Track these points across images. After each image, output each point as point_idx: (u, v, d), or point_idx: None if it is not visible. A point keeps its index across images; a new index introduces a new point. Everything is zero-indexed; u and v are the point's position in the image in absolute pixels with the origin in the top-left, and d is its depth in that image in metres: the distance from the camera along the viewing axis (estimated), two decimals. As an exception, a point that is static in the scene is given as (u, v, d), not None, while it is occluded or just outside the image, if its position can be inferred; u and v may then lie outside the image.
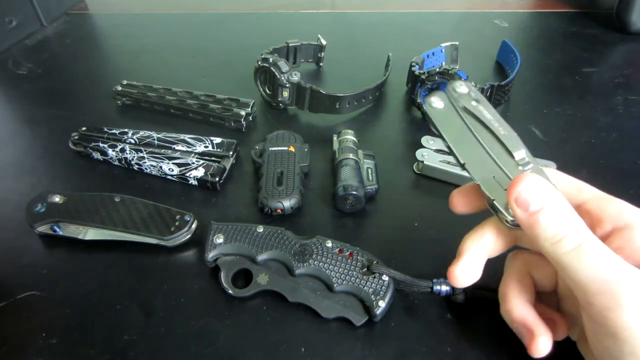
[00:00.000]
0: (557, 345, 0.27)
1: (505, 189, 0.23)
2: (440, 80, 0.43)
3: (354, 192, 0.35)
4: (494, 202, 0.24)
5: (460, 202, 0.27)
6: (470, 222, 0.36)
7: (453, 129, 0.26)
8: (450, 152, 0.27)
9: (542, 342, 0.23)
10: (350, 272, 0.30)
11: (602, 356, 0.22)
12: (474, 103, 0.27)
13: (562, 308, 0.26)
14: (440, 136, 0.27)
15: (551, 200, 0.21)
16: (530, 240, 0.26)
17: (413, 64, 0.48)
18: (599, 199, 0.24)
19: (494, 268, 0.30)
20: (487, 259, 0.25)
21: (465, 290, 0.29)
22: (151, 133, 0.42)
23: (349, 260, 0.30)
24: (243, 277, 0.32)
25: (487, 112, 0.26)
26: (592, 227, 0.23)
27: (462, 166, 0.25)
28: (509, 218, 0.23)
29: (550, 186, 0.22)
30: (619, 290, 0.19)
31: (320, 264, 0.30)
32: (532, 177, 0.22)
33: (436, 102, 0.27)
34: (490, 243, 0.25)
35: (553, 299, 0.27)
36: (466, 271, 0.24)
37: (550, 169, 0.25)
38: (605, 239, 0.23)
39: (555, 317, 0.25)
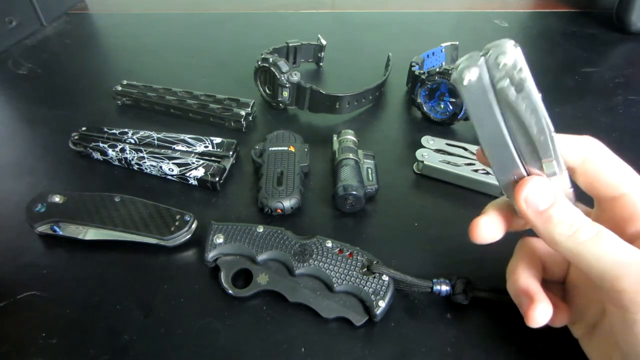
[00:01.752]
0: (558, 344, 0.27)
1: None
2: (440, 80, 0.43)
3: (354, 192, 0.35)
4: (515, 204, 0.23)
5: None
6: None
7: (484, 114, 0.22)
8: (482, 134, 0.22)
9: (540, 309, 0.23)
10: (350, 272, 0.30)
11: (635, 344, 0.21)
12: (513, 90, 0.21)
13: (568, 301, 0.26)
14: (469, 118, 0.24)
15: (559, 197, 0.22)
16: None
17: (413, 64, 0.48)
18: (636, 196, 0.23)
19: (494, 268, 0.30)
20: (507, 229, 0.25)
21: (465, 290, 0.29)
22: (151, 133, 0.42)
23: (349, 260, 0.30)
24: (243, 277, 0.32)
25: (528, 104, 0.21)
26: (624, 222, 0.23)
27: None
28: None
29: (555, 188, 0.22)
30: None
31: (320, 264, 0.30)
32: (537, 179, 0.22)
33: (470, 75, 0.21)
34: (512, 211, 0.25)
35: (559, 292, 0.27)
36: (488, 225, 0.24)
37: (602, 147, 0.24)
38: (637, 237, 0.22)
39: (558, 303, 0.25)
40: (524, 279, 0.25)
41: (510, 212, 0.25)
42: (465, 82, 0.20)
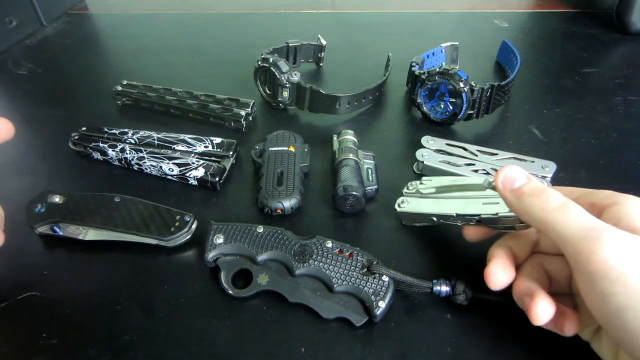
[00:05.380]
0: (558, 344, 0.27)
1: (497, 203, 0.28)
2: (440, 81, 0.43)
3: (354, 193, 0.35)
4: (498, 214, 0.27)
5: (472, 233, 0.31)
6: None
7: (430, 206, 0.32)
8: (442, 219, 0.31)
9: (541, 304, 0.24)
10: (350, 272, 0.30)
11: (600, 309, 0.22)
12: (426, 182, 0.34)
13: (577, 306, 0.27)
14: (427, 218, 0.32)
15: (530, 176, 0.26)
16: (544, 243, 0.28)
17: (413, 64, 0.48)
18: (589, 192, 0.27)
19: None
20: (515, 264, 0.28)
21: (465, 291, 0.29)
22: (151, 133, 0.42)
23: (349, 261, 0.30)
24: (243, 277, 0.32)
25: (445, 179, 0.33)
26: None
27: (456, 215, 0.30)
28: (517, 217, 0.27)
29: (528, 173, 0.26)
30: (601, 234, 0.21)
31: (320, 264, 0.30)
32: (512, 165, 0.26)
33: (403, 204, 0.34)
34: (514, 249, 0.28)
35: (570, 303, 0.27)
36: (500, 270, 0.27)
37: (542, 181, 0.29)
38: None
39: (567, 312, 0.26)
40: (525, 283, 0.26)
41: (512, 249, 0.28)
42: (402, 206, 0.34)
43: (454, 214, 0.30)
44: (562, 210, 0.23)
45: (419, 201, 0.33)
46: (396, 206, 0.34)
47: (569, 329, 0.25)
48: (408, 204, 0.34)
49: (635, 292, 0.20)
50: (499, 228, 0.29)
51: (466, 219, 0.30)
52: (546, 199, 0.24)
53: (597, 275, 0.21)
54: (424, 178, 0.35)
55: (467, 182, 0.32)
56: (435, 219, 0.32)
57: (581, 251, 0.22)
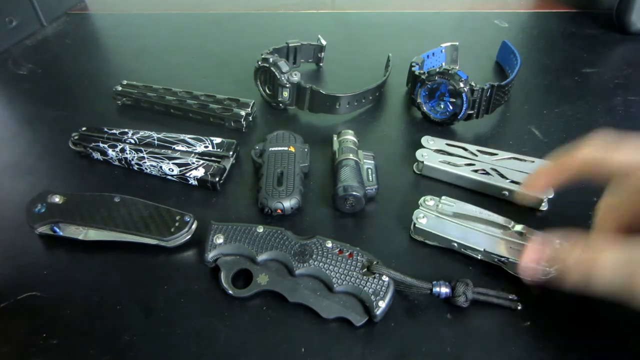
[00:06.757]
0: (558, 344, 0.27)
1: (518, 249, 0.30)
2: (441, 81, 0.43)
3: (354, 193, 0.35)
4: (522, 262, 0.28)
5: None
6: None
7: (454, 231, 0.32)
8: (464, 248, 0.31)
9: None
10: (350, 272, 0.30)
11: None
12: (447, 203, 0.33)
13: None
14: (446, 242, 0.32)
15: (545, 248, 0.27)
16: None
17: (413, 64, 0.48)
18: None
19: (494, 270, 0.30)
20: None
21: (465, 292, 0.29)
22: (151, 133, 0.42)
23: (349, 261, 0.30)
24: (243, 277, 0.32)
25: (470, 207, 0.33)
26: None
27: (484, 250, 0.30)
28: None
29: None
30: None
31: (320, 264, 0.30)
32: (524, 260, 0.27)
33: (421, 219, 0.33)
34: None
35: None
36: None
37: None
38: None
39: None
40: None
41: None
42: (420, 221, 0.33)
43: (482, 249, 0.30)
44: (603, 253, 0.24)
45: (441, 222, 0.32)
46: (414, 218, 0.33)
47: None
48: (428, 221, 0.33)
49: None
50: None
51: (492, 257, 0.30)
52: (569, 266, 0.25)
53: None
54: (444, 197, 0.34)
55: (492, 219, 0.32)
56: (456, 244, 0.32)
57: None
